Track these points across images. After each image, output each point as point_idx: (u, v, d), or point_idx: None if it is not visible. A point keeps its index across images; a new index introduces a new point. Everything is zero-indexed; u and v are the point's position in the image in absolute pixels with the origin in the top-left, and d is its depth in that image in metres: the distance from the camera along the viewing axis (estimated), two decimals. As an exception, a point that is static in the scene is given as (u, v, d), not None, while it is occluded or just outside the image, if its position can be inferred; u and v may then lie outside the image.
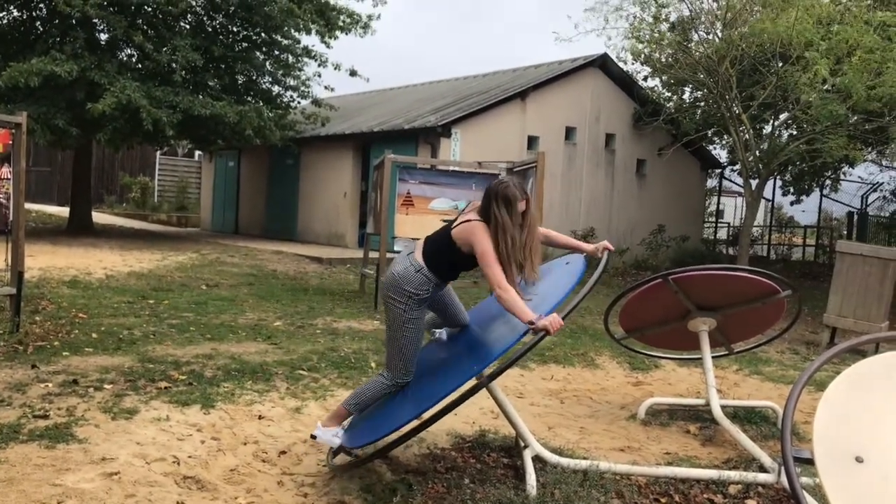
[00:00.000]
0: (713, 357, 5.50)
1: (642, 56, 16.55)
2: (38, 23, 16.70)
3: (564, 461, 4.01)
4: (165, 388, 5.35)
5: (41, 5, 16.13)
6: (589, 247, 4.17)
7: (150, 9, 15.76)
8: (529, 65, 20.69)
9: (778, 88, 14.04)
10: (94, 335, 6.92)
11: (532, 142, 17.34)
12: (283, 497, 3.70)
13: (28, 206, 10.58)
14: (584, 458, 4.22)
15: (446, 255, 3.83)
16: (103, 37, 16.40)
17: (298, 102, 18.79)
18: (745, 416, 5.48)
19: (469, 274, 4.12)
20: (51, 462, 3.86)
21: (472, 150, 15.58)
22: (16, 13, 16.61)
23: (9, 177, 6.73)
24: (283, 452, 4.32)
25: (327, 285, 11.88)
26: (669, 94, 18.67)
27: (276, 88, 18.36)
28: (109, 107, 13.99)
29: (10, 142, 6.72)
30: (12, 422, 4.40)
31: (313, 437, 4.02)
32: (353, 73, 18.48)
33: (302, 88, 18.47)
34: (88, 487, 3.58)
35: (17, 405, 4.74)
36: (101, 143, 16.83)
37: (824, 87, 13.03)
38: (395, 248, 10.51)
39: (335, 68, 18.25)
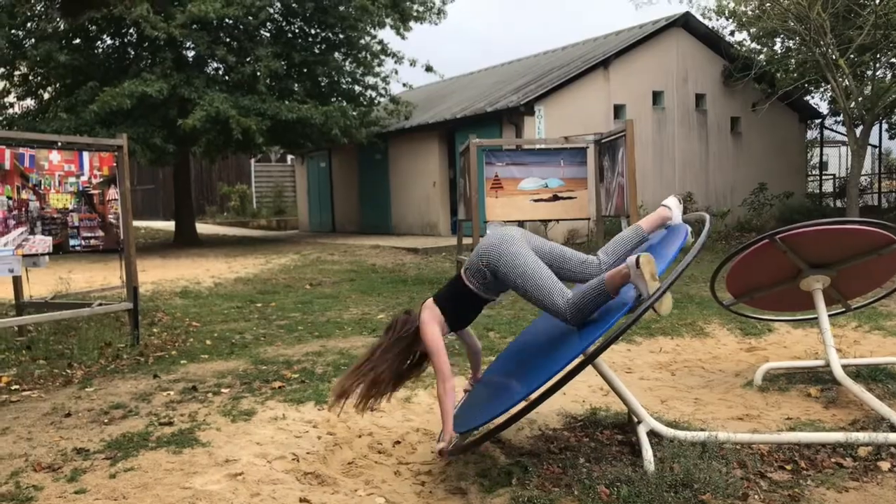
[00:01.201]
0: (830, 315, 5.26)
1: (727, 11, 15.94)
2: (130, 48, 17.46)
3: (681, 434, 3.92)
4: (279, 387, 5.52)
5: (131, 31, 16.84)
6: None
7: (230, 22, 16.23)
8: (610, 32, 20.25)
9: (877, 27, 13.26)
10: (207, 342, 7.20)
11: (618, 111, 16.98)
12: (402, 486, 3.75)
13: (136, 223, 11.10)
14: (702, 430, 4.11)
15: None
16: (190, 54, 17.02)
17: (378, 101, 19.01)
18: (869, 375, 5.22)
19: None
20: (179, 466, 4.03)
21: (558, 126, 15.38)
22: (109, 41, 17.41)
23: (116, 197, 7.06)
24: (398, 442, 4.38)
25: (425, 275, 11.98)
26: (759, 47, 17.92)
27: (357, 88, 18.63)
28: (199, 120, 14.51)
29: (115, 164, 7.04)
30: (141, 430, 4.63)
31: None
32: (428, 69, 18.60)
33: (382, 86, 18.70)
34: (216, 489, 3.72)
35: (143, 414, 4.98)
36: (197, 156, 17.48)
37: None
38: (488, 232, 10.50)
39: (411, 64, 18.42)
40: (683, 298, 8.78)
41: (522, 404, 3.40)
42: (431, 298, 3.97)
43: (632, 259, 3.40)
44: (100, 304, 7.26)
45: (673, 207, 3.96)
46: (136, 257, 7.36)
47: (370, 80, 18.65)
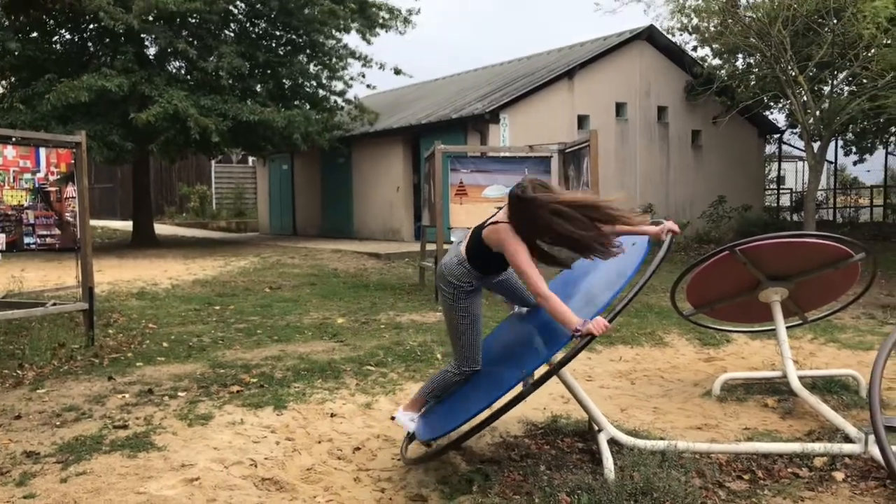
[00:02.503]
0: (787, 327, 5.34)
1: (689, 27, 16.19)
2: (90, 42, 17.14)
3: (641, 443, 3.94)
4: (237, 392, 5.44)
5: (91, 26, 16.54)
6: (653, 229, 3.84)
7: (193, 19, 16.03)
8: (575, 43, 20.42)
9: (835, 45, 13.57)
10: (164, 344, 7.08)
11: (582, 121, 17.12)
12: (361, 493, 3.71)
13: (93, 222, 10.88)
14: (661, 439, 4.13)
15: (480, 251, 3.77)
16: (151, 51, 16.76)
17: (342, 107, 18.92)
18: (825, 386, 5.31)
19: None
20: (133, 471, 3.94)
21: (522, 135, 15.45)
22: (67, 35, 17.08)
23: (74, 195, 6.91)
24: (358, 448, 4.34)
25: (387, 280, 11.93)
26: (721, 63, 18.23)
27: (321, 92, 18.54)
28: (154, 116, 14.30)
29: (73, 161, 6.89)
30: (94, 433, 4.52)
31: (393, 418, 4.22)
32: (397, 72, 18.57)
33: (346, 90, 18.64)
34: (171, 494, 3.65)
35: (97, 417, 4.87)
36: (155, 154, 17.20)
37: (885, 38, 12.53)
38: (452, 239, 10.51)
39: (380, 67, 18.37)
40: (643, 308, 8.87)
41: (486, 413, 3.39)
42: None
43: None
44: (54, 304, 7.10)
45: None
46: (92, 257, 7.21)
47: (335, 84, 18.59)
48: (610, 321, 3.39)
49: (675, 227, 3.84)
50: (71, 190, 6.90)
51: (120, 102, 15.15)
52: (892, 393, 5.19)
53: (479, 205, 9.92)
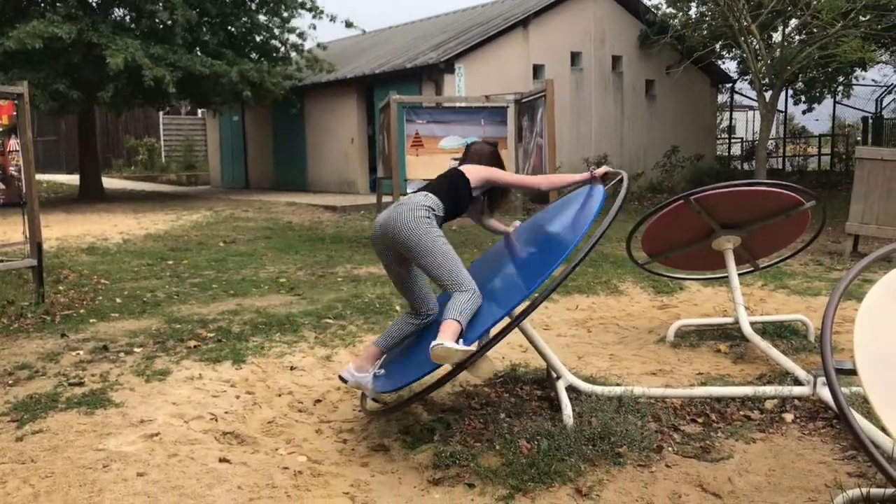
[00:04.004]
0: (739, 275, 5.45)
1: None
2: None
3: (598, 389, 4.02)
4: (195, 346, 5.39)
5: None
6: (581, 176, 4.11)
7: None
8: (529, -9, 20.20)
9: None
10: (118, 300, 6.96)
11: (538, 70, 17.05)
12: (323, 444, 3.73)
13: (38, 176, 10.56)
14: (618, 385, 4.22)
15: (454, 189, 3.96)
16: (95, -1, 16.16)
17: (294, 57, 18.49)
18: (775, 332, 5.45)
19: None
20: (91, 428, 3.90)
21: (478, 85, 15.34)
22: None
23: (17, 149, 6.69)
24: (319, 401, 4.35)
25: (343, 233, 11.86)
26: (674, 11, 18.24)
27: (273, 42, 18.12)
28: (119, 64, 13.83)
29: (14, 113, 6.65)
30: (49, 391, 4.45)
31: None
32: (349, 25, 18.19)
33: (299, 43, 18.23)
34: (131, 450, 3.62)
35: (51, 374, 4.79)
36: (103, 106, 16.68)
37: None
38: (408, 191, 10.45)
39: (330, 20, 17.98)
40: (599, 258, 8.97)
41: (446, 368, 3.42)
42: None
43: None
44: (0, 261, 6.91)
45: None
46: (39, 212, 7.01)
47: (287, 36, 18.16)
48: (571, 270, 3.40)
49: (598, 172, 4.03)
50: (14, 143, 6.67)
51: (63, 51, 14.61)
52: (839, 336, 5.35)
53: (435, 156, 9.86)
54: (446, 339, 3.36)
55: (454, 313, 3.48)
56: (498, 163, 4.17)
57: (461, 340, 3.41)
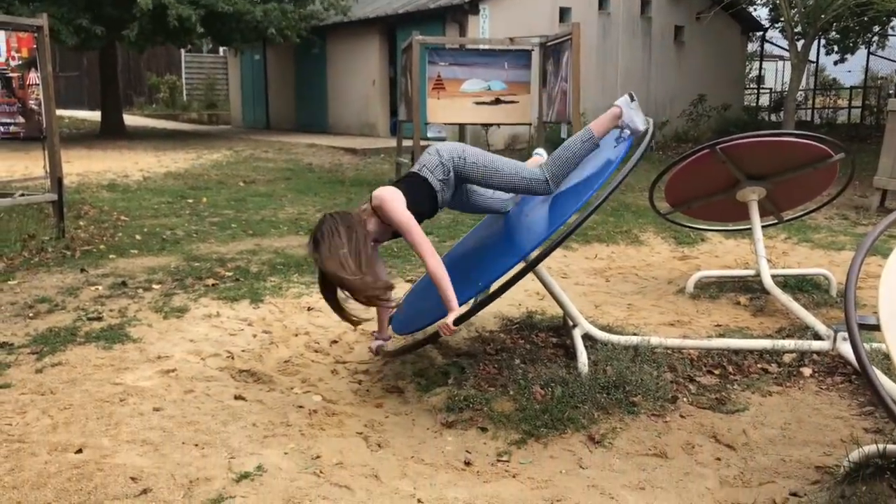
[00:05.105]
0: (762, 227, 5.36)
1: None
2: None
3: (615, 338, 3.99)
4: (213, 285, 5.41)
5: None
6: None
7: None
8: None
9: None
10: (137, 237, 6.99)
11: (564, 13, 16.68)
12: (338, 385, 3.75)
13: (60, 112, 10.56)
14: (634, 335, 4.19)
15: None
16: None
17: None
18: (797, 285, 5.38)
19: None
20: (109, 362, 3.94)
21: (502, 27, 15.05)
22: None
23: (37, 82, 6.65)
24: (335, 342, 4.36)
25: (363, 176, 11.81)
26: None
27: None
28: (149, 3, 13.71)
29: (34, 45, 6.60)
30: (68, 325, 4.49)
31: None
32: None
33: None
34: (148, 385, 3.66)
35: (70, 308, 4.83)
36: (126, 44, 16.58)
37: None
38: (429, 135, 10.33)
39: None
40: (620, 207, 8.88)
41: (465, 308, 3.39)
42: (383, 187, 3.53)
43: (624, 97, 3.58)
44: (22, 195, 6.93)
45: (623, 106, 3.66)
46: (60, 147, 7.01)
47: None
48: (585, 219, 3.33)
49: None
50: (34, 76, 6.63)
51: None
52: (861, 292, 5.27)
53: (456, 99, 9.72)
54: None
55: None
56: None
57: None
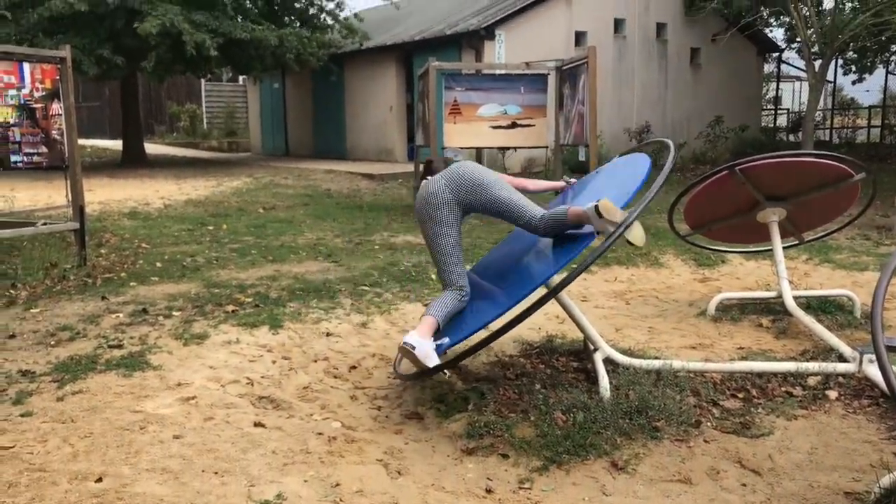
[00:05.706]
0: (783, 248, 5.31)
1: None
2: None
3: (636, 362, 3.95)
4: (233, 311, 5.42)
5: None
6: (558, 184, 4.48)
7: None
8: (572, -43, 19.81)
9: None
10: (158, 264, 7.04)
11: (580, 38, 16.76)
12: (358, 411, 3.73)
13: (81, 141, 10.70)
14: (656, 358, 4.14)
15: None
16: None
17: (333, 24, 18.44)
18: (819, 306, 5.31)
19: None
20: (129, 390, 3.95)
21: (518, 52, 15.13)
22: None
23: (60, 112, 6.75)
24: (354, 367, 4.35)
25: (381, 201, 11.85)
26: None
27: (311, 10, 18.06)
28: (155, 28, 13.91)
29: (58, 77, 6.70)
30: (89, 352, 4.51)
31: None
32: None
33: (335, 9, 18.16)
34: (168, 412, 3.66)
35: (91, 336, 4.86)
36: (146, 73, 16.84)
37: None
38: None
39: None
40: (639, 229, 8.82)
41: (484, 333, 3.37)
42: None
43: (591, 207, 3.42)
44: (44, 224, 7.01)
45: (590, 214, 3.46)
46: (81, 176, 7.10)
47: (325, 2, 18.11)
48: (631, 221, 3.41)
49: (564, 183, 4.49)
50: (57, 107, 6.73)
51: (107, 16, 14.72)
52: (888, 313, 5.20)
53: (473, 124, 9.77)
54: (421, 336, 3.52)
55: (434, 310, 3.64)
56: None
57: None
